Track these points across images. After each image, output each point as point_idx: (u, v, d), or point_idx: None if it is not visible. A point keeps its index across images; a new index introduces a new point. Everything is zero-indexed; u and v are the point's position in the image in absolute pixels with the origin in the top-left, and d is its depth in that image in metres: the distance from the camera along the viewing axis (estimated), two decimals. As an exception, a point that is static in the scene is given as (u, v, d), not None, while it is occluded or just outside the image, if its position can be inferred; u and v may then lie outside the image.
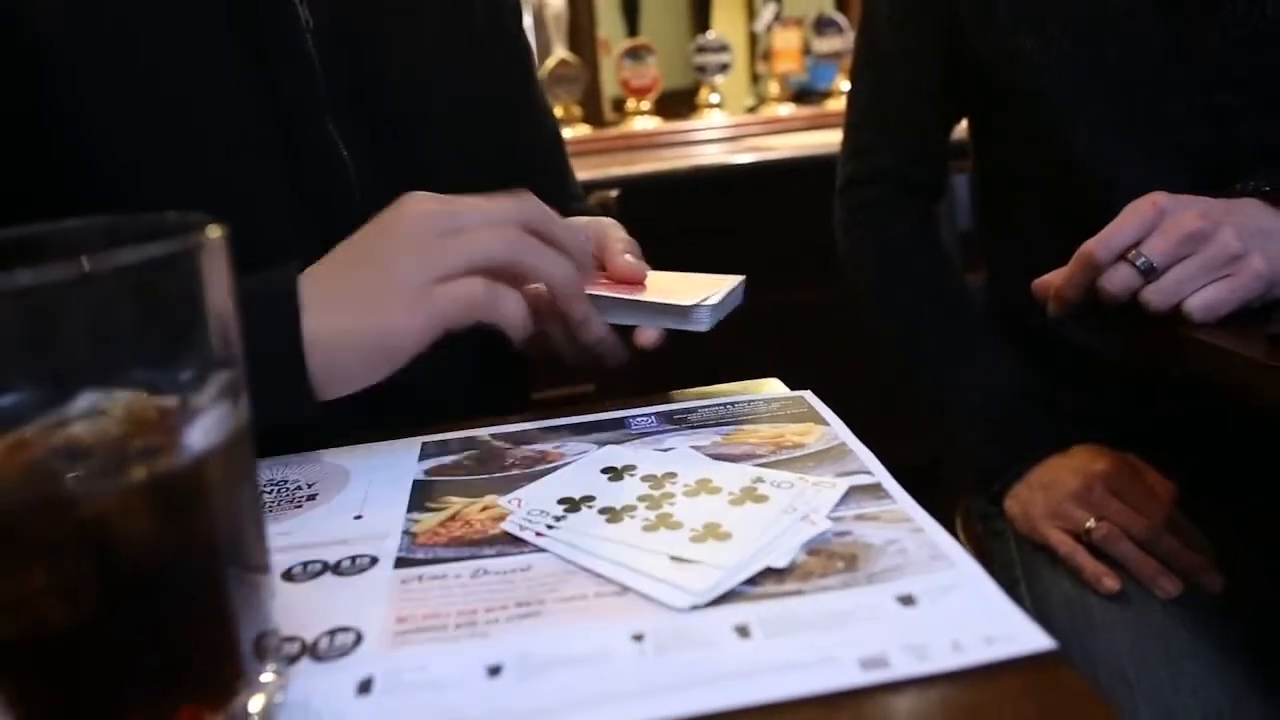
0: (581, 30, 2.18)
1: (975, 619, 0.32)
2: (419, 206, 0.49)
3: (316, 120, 0.60)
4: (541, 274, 0.49)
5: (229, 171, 0.58)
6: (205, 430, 0.27)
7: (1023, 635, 0.31)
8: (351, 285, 0.48)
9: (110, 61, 0.54)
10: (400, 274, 0.47)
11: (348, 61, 0.62)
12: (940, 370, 0.89)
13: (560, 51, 2.04)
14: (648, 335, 0.54)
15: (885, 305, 0.95)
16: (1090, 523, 0.75)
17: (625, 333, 0.55)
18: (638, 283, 0.56)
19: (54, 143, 0.55)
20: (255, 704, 0.28)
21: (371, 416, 0.50)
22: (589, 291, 0.53)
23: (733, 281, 0.57)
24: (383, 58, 0.65)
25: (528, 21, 2.05)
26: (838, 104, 2.17)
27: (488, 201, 0.50)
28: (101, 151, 0.55)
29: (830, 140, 1.85)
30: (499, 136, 0.72)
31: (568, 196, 0.82)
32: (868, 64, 0.96)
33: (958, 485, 1.04)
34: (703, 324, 0.54)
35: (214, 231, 0.27)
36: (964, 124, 0.98)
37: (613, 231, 0.59)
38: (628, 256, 0.56)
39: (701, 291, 0.54)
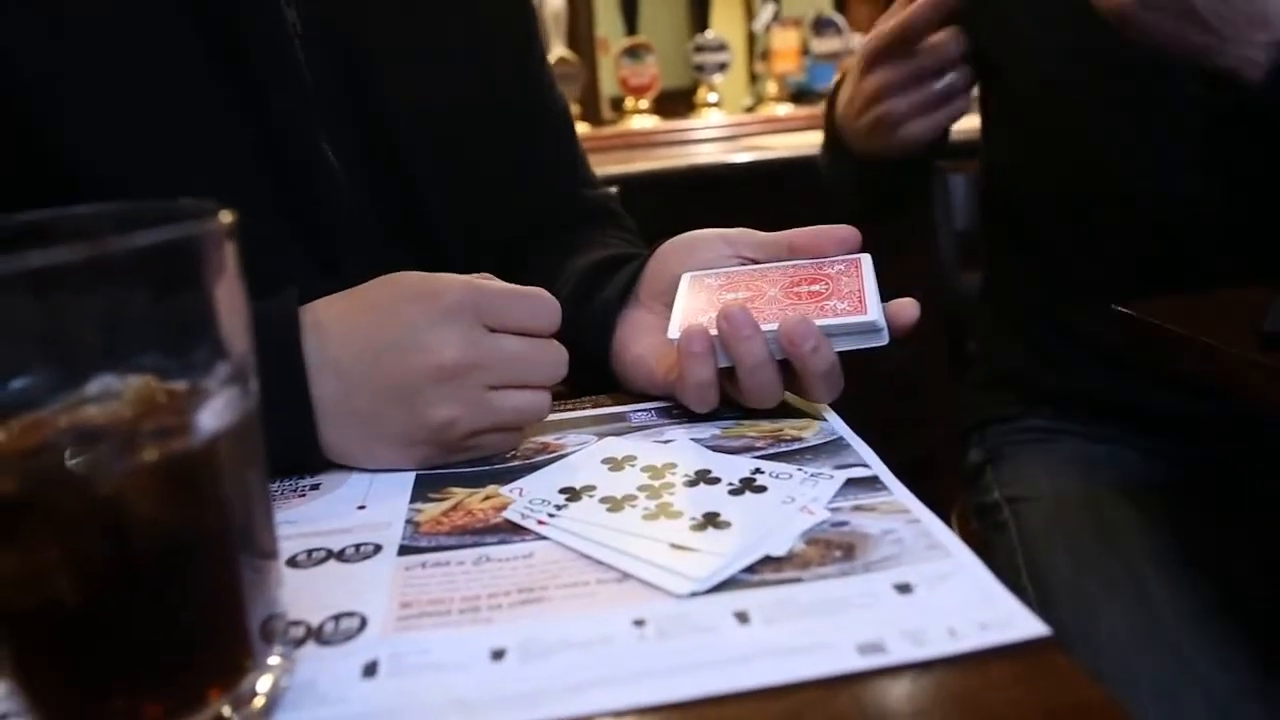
0: (580, 29, 2.19)
1: (971, 606, 0.32)
2: (451, 351, 0.45)
3: (306, 129, 0.58)
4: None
5: (215, 184, 0.55)
6: (215, 413, 0.27)
7: (1017, 621, 0.31)
8: (381, 422, 0.46)
9: (78, 76, 0.53)
10: (432, 426, 0.45)
11: (339, 65, 0.60)
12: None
13: (559, 50, 2.05)
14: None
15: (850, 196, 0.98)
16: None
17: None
18: (856, 244, 0.53)
19: (35, 164, 0.53)
20: (263, 684, 0.29)
21: None
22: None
23: (866, 266, 0.52)
24: (376, 59, 0.62)
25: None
26: (835, 104, 2.18)
27: (524, 349, 0.47)
28: (84, 171, 0.53)
29: (828, 140, 1.86)
30: (502, 135, 0.70)
31: (578, 183, 0.79)
32: None
33: (954, 484, 1.05)
34: (884, 339, 0.49)
35: (225, 217, 0.27)
36: (963, 124, 0.99)
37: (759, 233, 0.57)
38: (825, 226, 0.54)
39: (854, 290, 0.50)
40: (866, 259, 0.53)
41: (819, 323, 0.48)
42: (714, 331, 0.49)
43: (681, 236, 0.58)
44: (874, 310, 0.48)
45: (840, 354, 0.49)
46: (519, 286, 0.48)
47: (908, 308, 0.50)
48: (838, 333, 0.48)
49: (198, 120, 0.56)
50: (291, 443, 0.45)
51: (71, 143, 0.53)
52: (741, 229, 0.57)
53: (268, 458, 0.31)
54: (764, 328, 0.48)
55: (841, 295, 0.50)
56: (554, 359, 0.48)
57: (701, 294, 0.53)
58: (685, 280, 0.55)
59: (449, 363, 0.45)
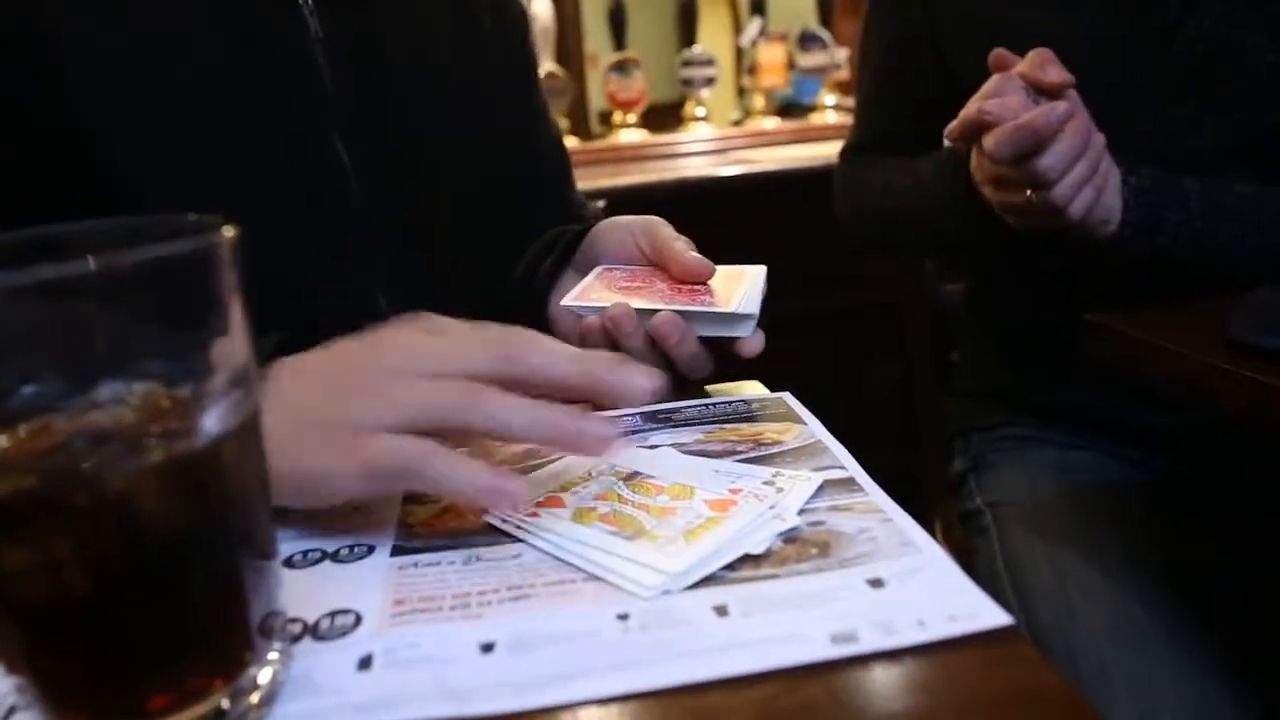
0: (569, 44, 2.21)
1: (939, 598, 0.34)
2: (399, 340, 0.42)
3: (323, 134, 0.61)
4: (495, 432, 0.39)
5: (230, 182, 0.59)
6: (218, 417, 0.29)
7: (983, 613, 0.33)
8: (301, 422, 0.39)
9: (113, 72, 0.55)
10: (350, 418, 0.39)
11: (357, 73, 0.63)
12: (915, 180, 0.92)
13: (548, 65, 2.07)
14: (751, 346, 0.57)
15: (866, 211, 1.00)
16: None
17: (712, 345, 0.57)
18: (703, 280, 0.59)
19: (55, 150, 0.55)
20: (263, 676, 0.30)
21: None
22: (636, 306, 0.56)
23: (755, 274, 0.60)
24: (391, 69, 0.66)
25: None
26: (822, 118, 2.21)
27: (465, 342, 0.41)
28: (102, 163, 0.55)
29: (814, 153, 1.88)
30: (504, 148, 0.74)
31: (572, 204, 0.84)
32: (872, 49, 1.02)
33: (939, 492, 1.07)
34: (748, 329, 0.56)
35: (228, 232, 0.29)
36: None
37: (664, 230, 0.62)
38: (692, 254, 0.59)
39: (732, 289, 0.57)
40: (761, 270, 0.60)
41: (684, 308, 0.55)
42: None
43: (606, 221, 0.67)
44: (737, 303, 0.55)
45: (712, 340, 0.56)
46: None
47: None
48: (701, 319, 0.56)
49: (221, 114, 0.59)
50: None
51: (102, 128, 0.55)
52: (655, 221, 0.63)
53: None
54: (644, 305, 0.56)
55: (716, 292, 0.57)
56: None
57: (603, 284, 0.61)
58: (597, 269, 0.64)
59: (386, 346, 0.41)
